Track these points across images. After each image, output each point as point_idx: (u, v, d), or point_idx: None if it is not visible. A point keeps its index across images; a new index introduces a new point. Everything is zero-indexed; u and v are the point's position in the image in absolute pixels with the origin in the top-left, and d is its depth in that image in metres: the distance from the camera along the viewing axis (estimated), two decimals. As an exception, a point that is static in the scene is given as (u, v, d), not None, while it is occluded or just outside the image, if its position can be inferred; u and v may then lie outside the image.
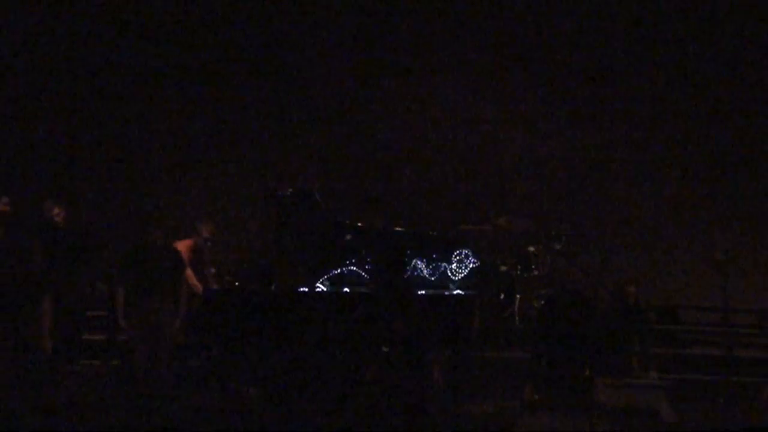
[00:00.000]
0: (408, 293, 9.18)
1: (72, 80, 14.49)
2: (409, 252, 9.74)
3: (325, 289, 9.41)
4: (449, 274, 9.53)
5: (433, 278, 9.55)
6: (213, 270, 9.87)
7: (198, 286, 9.25)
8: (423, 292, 9.32)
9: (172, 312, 8.61)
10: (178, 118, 14.09)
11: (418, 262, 9.70)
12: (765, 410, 9.12)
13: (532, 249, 11.17)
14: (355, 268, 9.65)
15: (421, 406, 8.92)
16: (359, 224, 10.00)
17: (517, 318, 10.85)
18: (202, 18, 14.24)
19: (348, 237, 9.64)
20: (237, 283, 9.75)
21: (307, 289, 9.27)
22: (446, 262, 9.60)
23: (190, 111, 14.13)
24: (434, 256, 9.65)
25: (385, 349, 9.28)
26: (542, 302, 10.45)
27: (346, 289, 9.46)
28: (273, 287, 9.45)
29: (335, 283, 9.53)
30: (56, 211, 9.58)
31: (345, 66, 13.92)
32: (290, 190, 9.78)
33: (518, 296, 10.90)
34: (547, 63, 13.70)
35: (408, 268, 9.66)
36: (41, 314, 8.28)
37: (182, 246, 9.10)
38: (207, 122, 14.09)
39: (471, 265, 9.63)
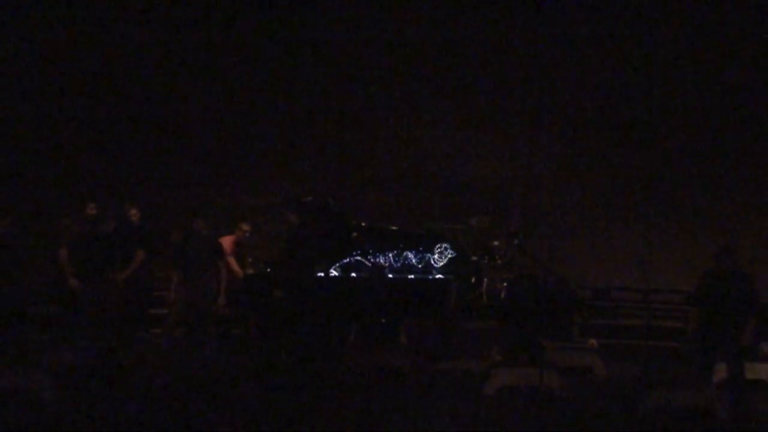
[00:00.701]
0: (392, 280, 10.50)
1: (127, 96, 14.83)
2: (401, 246, 10.83)
3: (336, 275, 10.48)
4: (432, 262, 10.75)
5: (420, 266, 10.72)
6: (250, 259, 10.73)
7: (239, 272, 10.35)
8: (411, 276, 10.45)
9: (215, 290, 9.92)
10: (228, 135, 14.79)
11: (408, 254, 10.75)
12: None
13: (496, 243, 12.16)
14: (359, 258, 10.64)
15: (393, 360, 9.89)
16: (363, 224, 11.06)
17: (484, 297, 11.73)
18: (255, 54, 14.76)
19: (354, 234, 10.74)
20: (268, 270, 10.54)
21: (322, 275, 10.39)
22: (430, 253, 10.78)
23: (236, 130, 14.83)
24: (420, 248, 10.82)
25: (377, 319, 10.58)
26: (504, 284, 11.38)
27: (353, 275, 10.52)
28: (296, 273, 10.13)
29: (344, 270, 10.57)
30: (133, 212, 10.63)
31: (358, 98, 14.72)
32: (310, 197, 10.83)
33: (485, 280, 11.81)
34: (506, 102, 14.52)
35: (399, 259, 10.79)
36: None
37: (227, 240, 10.11)
38: (248, 140, 14.83)
39: (449, 256, 10.81)
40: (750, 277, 9.35)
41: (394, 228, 11.44)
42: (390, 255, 10.80)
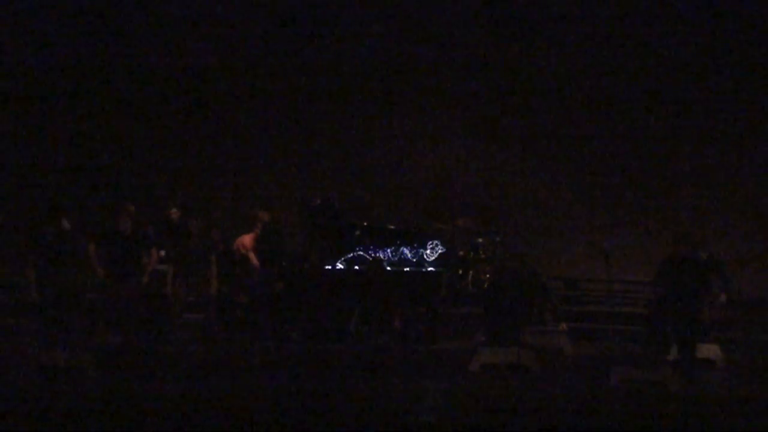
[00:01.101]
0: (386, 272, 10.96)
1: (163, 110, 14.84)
2: (398, 243, 11.27)
3: (341, 267, 11.03)
4: (425, 257, 11.31)
5: (414, 259, 11.22)
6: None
7: (257, 264, 10.59)
8: (407, 269, 10.93)
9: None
10: (245, 146, 14.88)
11: (404, 249, 11.24)
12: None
13: (480, 240, 12.51)
14: (361, 253, 11.11)
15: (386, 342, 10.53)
16: (365, 223, 11.52)
17: (470, 286, 12.25)
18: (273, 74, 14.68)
19: (357, 232, 11.25)
20: (283, 263, 10.91)
21: (329, 267, 10.97)
22: (423, 249, 11.33)
23: (256, 142, 14.88)
24: (415, 245, 11.33)
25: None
26: (488, 276, 11.96)
27: (356, 267, 11.02)
28: (307, 266, 11.11)
29: (348, 263, 11.13)
30: (174, 211, 10.91)
31: (363, 115, 14.78)
32: (318, 200, 11.37)
33: (471, 272, 12.33)
34: (485, 123, 14.58)
35: (395, 254, 11.26)
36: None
37: (247, 237, 10.46)
38: (262, 148, 14.90)
39: (439, 251, 11.35)
40: (704, 261, 9.63)
41: (392, 227, 11.85)
42: (388, 250, 11.22)
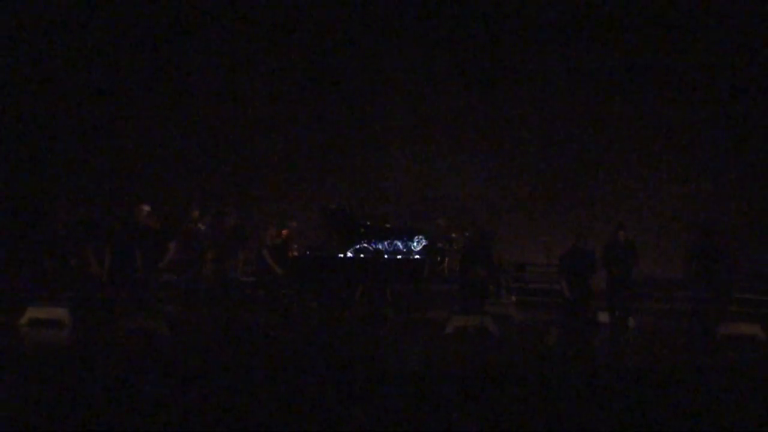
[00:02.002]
0: (383, 258, 11.21)
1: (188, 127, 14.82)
2: (392, 237, 11.60)
3: (350, 255, 11.52)
4: (412, 248, 11.75)
5: (404, 249, 11.68)
6: (295, 245, 11.55)
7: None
8: (399, 257, 11.43)
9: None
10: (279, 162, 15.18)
11: (397, 242, 11.70)
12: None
13: (453, 235, 13.06)
14: (365, 245, 11.64)
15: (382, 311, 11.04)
16: (368, 222, 12.04)
17: (446, 270, 12.86)
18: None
19: (362, 229, 11.72)
20: (307, 252, 11.47)
21: (341, 255, 11.40)
22: (411, 242, 11.77)
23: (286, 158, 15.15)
24: (405, 238, 11.79)
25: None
26: (458, 262, 11.54)
27: (361, 255, 11.52)
28: (325, 254, 11.50)
29: (355, 252, 11.54)
30: (195, 213, 11.18)
31: (364, 137, 15.19)
32: (333, 205, 11.88)
33: (447, 259, 12.90)
34: (458, 142, 15.01)
35: (390, 246, 11.55)
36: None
37: (284, 232, 11.10)
38: (291, 162, 15.23)
39: (423, 243, 11.83)
40: (634, 244, 9.94)
41: (388, 225, 12.35)
42: (385, 243, 11.60)
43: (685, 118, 14.43)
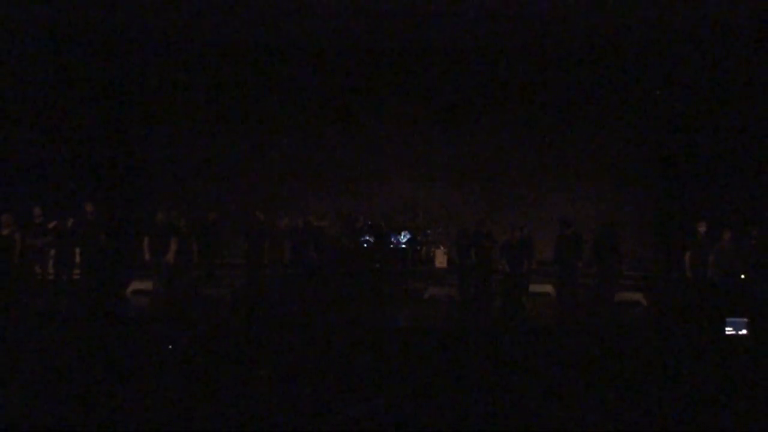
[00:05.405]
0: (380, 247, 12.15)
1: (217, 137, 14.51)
2: (387, 233, 12.15)
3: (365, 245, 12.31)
4: (400, 240, 12.50)
5: (395, 241, 12.41)
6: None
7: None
8: (391, 246, 12.16)
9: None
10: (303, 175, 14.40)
11: (392, 236, 12.42)
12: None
13: (428, 231, 13.39)
14: (368, 238, 12.02)
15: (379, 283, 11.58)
16: (369, 222, 12.31)
17: (424, 256, 12.93)
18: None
19: (365, 228, 12.19)
20: (327, 243, 11.53)
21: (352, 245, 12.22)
22: (399, 236, 12.56)
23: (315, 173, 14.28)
24: (396, 233, 12.46)
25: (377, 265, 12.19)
26: (433, 250, 12.62)
27: (365, 245, 11.92)
28: (342, 244, 11.85)
29: (361, 243, 12.17)
30: (212, 214, 11.14)
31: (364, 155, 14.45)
32: (351, 215, 12.27)
33: (424, 248, 12.99)
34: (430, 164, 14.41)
35: (386, 239, 12.16)
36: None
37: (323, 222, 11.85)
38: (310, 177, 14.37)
39: (408, 237, 12.69)
40: (581, 235, 9.53)
41: (382, 224, 12.28)
42: (383, 237, 11.94)
43: (600, 147, 14.20)
